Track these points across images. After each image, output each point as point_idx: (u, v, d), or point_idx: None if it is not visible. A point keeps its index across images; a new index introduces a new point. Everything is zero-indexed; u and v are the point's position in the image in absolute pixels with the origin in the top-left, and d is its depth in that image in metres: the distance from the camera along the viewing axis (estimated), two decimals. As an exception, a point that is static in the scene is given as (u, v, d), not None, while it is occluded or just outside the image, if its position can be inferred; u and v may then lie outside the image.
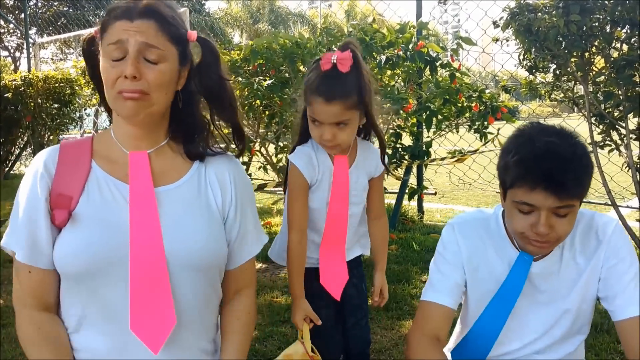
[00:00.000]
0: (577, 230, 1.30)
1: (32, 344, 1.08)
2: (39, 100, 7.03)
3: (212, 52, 1.17)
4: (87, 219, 1.07)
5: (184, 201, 1.14)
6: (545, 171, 1.14)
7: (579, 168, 1.15)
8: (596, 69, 3.30)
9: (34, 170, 1.12)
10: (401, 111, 3.76)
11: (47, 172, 1.11)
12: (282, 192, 1.88)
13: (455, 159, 4.26)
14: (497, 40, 3.60)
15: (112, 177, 1.12)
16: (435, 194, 5.82)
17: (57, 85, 7.06)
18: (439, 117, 3.95)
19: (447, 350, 1.47)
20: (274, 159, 4.33)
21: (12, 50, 18.77)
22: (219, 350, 1.22)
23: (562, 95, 3.75)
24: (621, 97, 3.10)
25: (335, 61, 1.48)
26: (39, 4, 17.08)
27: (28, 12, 9.76)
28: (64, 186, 1.10)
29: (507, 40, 3.50)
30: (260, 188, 3.74)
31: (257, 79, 3.63)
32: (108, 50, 1.05)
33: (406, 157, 4.13)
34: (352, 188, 1.65)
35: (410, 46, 3.72)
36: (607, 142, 3.50)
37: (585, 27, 2.87)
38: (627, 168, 3.36)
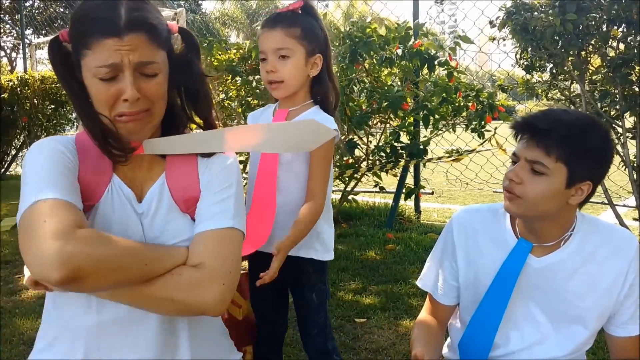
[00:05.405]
0: (593, 237, 1.26)
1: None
2: (35, 101, 7.02)
3: (193, 45, 1.08)
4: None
5: (165, 203, 1.07)
6: (531, 120, 1.18)
7: (570, 132, 1.14)
8: (593, 68, 3.31)
9: (54, 147, 1.01)
10: (399, 110, 3.76)
11: (73, 157, 1.03)
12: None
13: (453, 158, 4.26)
14: (493, 39, 3.62)
15: (129, 189, 1.06)
16: (432, 193, 5.82)
17: (53, 85, 7.05)
18: (436, 116, 3.96)
19: (447, 346, 1.46)
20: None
21: (8, 51, 18.74)
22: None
23: (558, 94, 3.76)
24: (617, 96, 3.11)
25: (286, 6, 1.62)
26: (35, 4, 17.03)
27: (24, 13, 9.73)
28: (86, 184, 1.01)
29: (504, 40, 3.52)
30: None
31: (255, 77, 3.62)
32: (97, 72, 0.95)
33: (404, 155, 4.14)
34: None
35: (408, 45, 3.72)
36: (603, 140, 3.51)
37: (581, 26, 2.88)
38: (624, 167, 3.37)
